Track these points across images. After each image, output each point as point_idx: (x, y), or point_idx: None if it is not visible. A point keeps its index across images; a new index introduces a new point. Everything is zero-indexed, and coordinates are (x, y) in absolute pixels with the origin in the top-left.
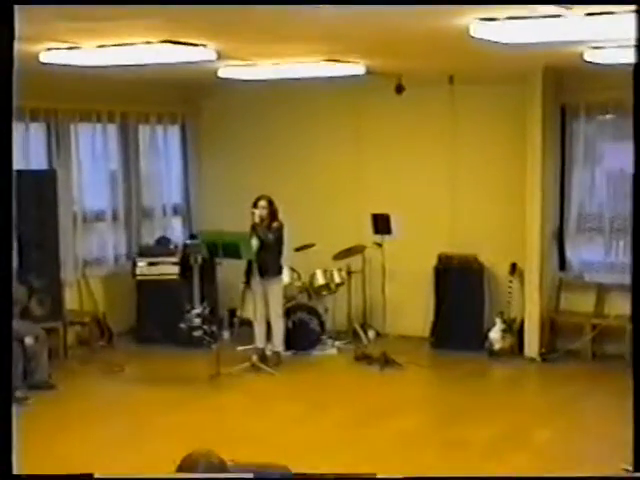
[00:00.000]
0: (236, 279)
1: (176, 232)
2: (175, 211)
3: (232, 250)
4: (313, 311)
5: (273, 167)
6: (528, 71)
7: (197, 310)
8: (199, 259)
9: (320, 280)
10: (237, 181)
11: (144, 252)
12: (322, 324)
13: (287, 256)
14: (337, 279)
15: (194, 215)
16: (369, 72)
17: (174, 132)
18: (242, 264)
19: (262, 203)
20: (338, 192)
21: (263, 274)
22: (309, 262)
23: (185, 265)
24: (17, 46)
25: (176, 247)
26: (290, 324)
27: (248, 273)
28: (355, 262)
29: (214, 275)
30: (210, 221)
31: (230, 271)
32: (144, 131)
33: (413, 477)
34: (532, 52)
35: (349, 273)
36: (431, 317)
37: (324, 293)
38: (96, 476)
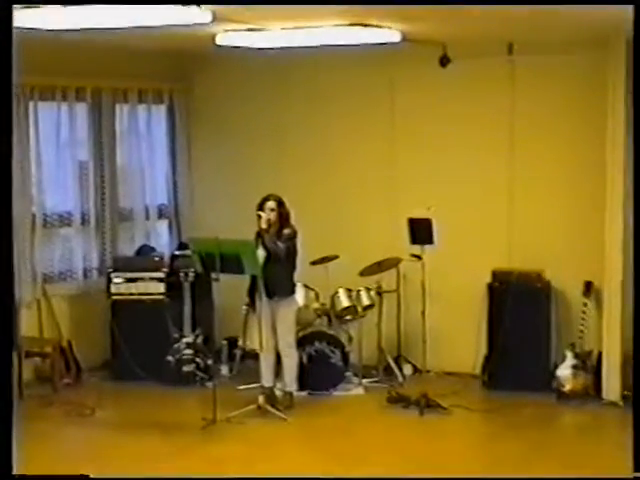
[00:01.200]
0: (237, 300)
1: (162, 240)
2: (161, 213)
3: (232, 263)
4: (334, 341)
5: (283, 159)
6: (611, 33)
7: (188, 339)
8: (191, 274)
9: (344, 302)
10: (238, 176)
11: (121, 265)
12: (345, 357)
13: (301, 271)
14: (365, 300)
15: (184, 219)
16: (406, 39)
17: (159, 114)
18: (245, 281)
19: (270, 204)
20: (366, 190)
21: (271, 294)
22: (329, 279)
23: (173, 282)
24: None
25: (162, 259)
26: (305, 357)
27: (252, 292)
28: (388, 279)
29: (209, 295)
30: (205, 226)
31: (230, 290)
32: (122, 112)
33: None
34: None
35: (380, 293)
36: (483, 349)
37: (348, 318)
38: (92, 476)
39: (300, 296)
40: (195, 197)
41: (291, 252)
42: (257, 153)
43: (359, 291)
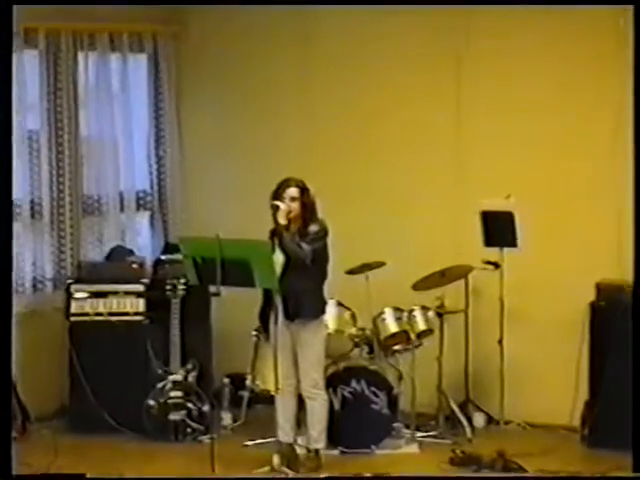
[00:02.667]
0: (244, 323)
1: (142, 240)
2: (140, 204)
3: (239, 272)
4: (378, 379)
5: (308, 134)
6: None
7: (176, 376)
8: (181, 287)
9: (391, 326)
10: (246, 155)
11: (86, 274)
12: (393, 402)
13: (333, 283)
14: (420, 324)
15: (173, 211)
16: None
17: (139, 67)
18: (256, 296)
19: (291, 191)
20: (422, 174)
21: (292, 314)
22: (372, 294)
23: (157, 297)
24: None
25: (141, 266)
26: (337, 402)
27: (265, 312)
28: (452, 295)
29: (206, 315)
30: (200, 222)
31: (234, 308)
32: (86, 64)
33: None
34: None
35: (441, 314)
36: (584, 392)
37: (398, 348)
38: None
39: (331, 318)
40: (187, 181)
41: (319, 257)
42: (273, 125)
43: (412, 311)
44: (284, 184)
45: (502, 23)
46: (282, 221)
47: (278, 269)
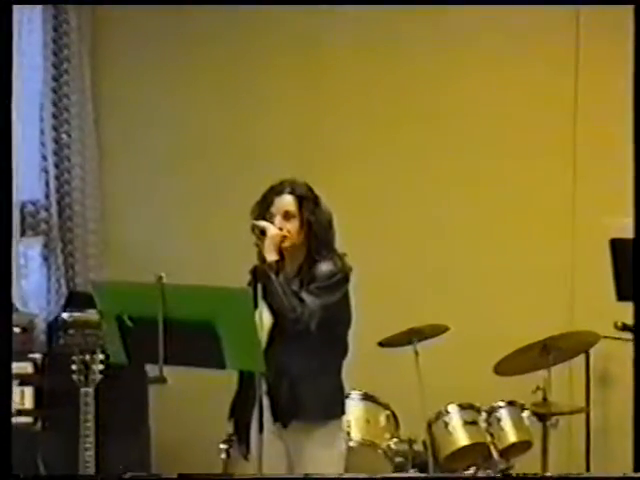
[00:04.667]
0: (206, 426)
1: (28, 285)
2: (27, 224)
3: (195, 342)
4: None
5: (313, 125)
6: None
7: None
8: (95, 368)
9: (460, 435)
10: (204, 151)
11: None
12: None
13: (358, 362)
14: (510, 433)
15: (81, 237)
16: None
17: (32, 20)
18: (226, 382)
19: (285, 202)
20: (499, 185)
21: (286, 414)
22: (424, 381)
23: (55, 385)
24: None
25: (27, 331)
26: None
27: (241, 409)
28: (562, 382)
29: (141, 415)
30: (129, 255)
31: (187, 403)
32: None
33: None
34: None
35: (543, 417)
36: None
37: (470, 474)
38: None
39: (355, 422)
40: (107, 190)
41: (333, 318)
42: (251, 108)
43: (495, 410)
44: (273, 191)
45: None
46: (270, 255)
47: (263, 337)
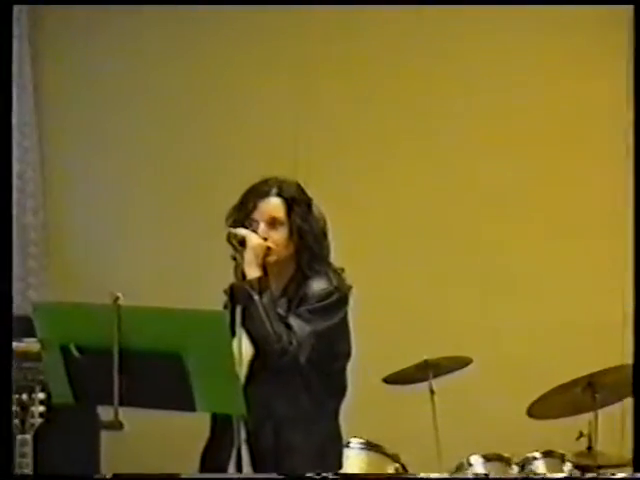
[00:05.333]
0: None
1: None
2: None
3: (159, 378)
4: None
5: (306, 108)
6: None
7: None
8: (34, 410)
9: None
10: (173, 144)
11: None
12: None
13: (357, 404)
14: None
15: (22, 246)
16: None
17: None
18: (196, 429)
19: (271, 205)
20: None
21: (268, 466)
22: (440, 424)
23: None
24: None
25: None
26: None
27: (213, 460)
28: (611, 426)
29: (92, 469)
30: (76, 268)
31: (149, 453)
32: None
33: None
34: None
35: (587, 470)
36: None
37: None
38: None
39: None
40: (50, 194)
41: (328, 349)
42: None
43: (529, 461)
44: (255, 192)
45: None
46: (252, 271)
47: (242, 372)
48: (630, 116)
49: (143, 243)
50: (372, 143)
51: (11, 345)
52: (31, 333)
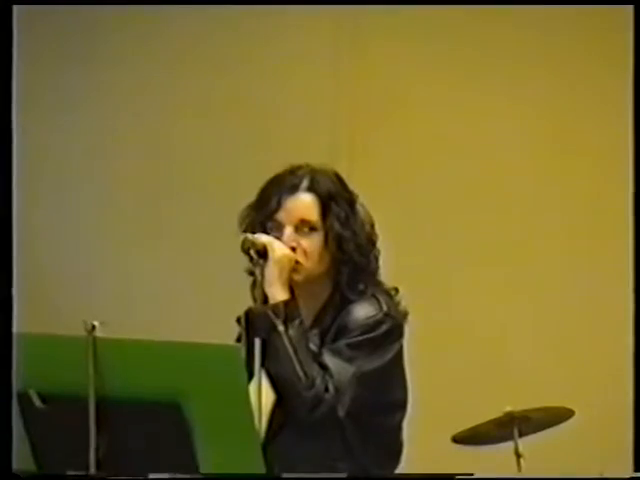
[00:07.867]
0: None
1: None
2: None
3: (149, 435)
4: None
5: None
6: None
7: None
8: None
9: None
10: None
11: None
12: None
13: (410, 468)
14: None
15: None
16: None
17: None
18: None
19: (302, 203)
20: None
21: None
22: None
23: None
24: None
25: None
26: None
27: None
28: None
29: None
30: (46, 293)
31: None
32: None
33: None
34: None
35: None
36: None
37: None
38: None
39: None
40: (30, 196)
41: (377, 396)
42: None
43: None
44: (279, 185)
45: None
46: (275, 291)
47: (261, 426)
48: (630, 117)
49: (129, 256)
50: (439, 119)
51: (11, 343)
52: None
